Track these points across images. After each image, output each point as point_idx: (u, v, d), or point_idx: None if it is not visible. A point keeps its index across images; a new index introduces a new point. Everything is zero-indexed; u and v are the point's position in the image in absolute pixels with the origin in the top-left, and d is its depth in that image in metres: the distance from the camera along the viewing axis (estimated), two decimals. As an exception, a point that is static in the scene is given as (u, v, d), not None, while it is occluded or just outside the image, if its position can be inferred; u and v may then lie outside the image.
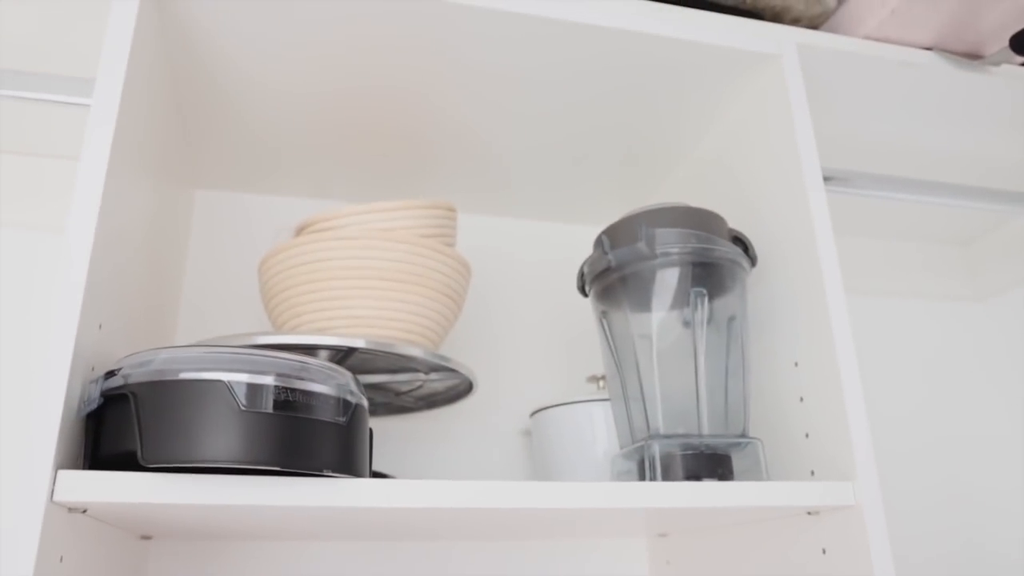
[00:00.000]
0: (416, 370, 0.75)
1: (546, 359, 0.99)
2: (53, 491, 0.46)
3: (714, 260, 0.66)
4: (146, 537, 0.78)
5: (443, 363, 0.68)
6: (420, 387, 0.80)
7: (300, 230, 0.72)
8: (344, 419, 0.51)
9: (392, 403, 0.85)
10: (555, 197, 1.00)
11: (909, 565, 1.05)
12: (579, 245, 1.06)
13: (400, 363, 0.73)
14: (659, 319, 0.66)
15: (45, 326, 0.49)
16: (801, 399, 0.66)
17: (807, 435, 0.65)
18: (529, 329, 1.00)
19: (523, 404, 0.96)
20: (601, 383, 0.87)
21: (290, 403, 0.48)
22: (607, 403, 0.79)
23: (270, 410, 0.48)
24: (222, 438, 0.46)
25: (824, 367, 0.64)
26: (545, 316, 1.01)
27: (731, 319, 0.67)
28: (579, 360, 0.99)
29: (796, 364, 0.67)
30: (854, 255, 1.22)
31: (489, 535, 0.82)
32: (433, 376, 0.76)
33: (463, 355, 0.97)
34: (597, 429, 0.79)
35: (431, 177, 0.94)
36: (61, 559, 0.49)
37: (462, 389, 0.80)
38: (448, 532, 0.77)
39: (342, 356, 0.69)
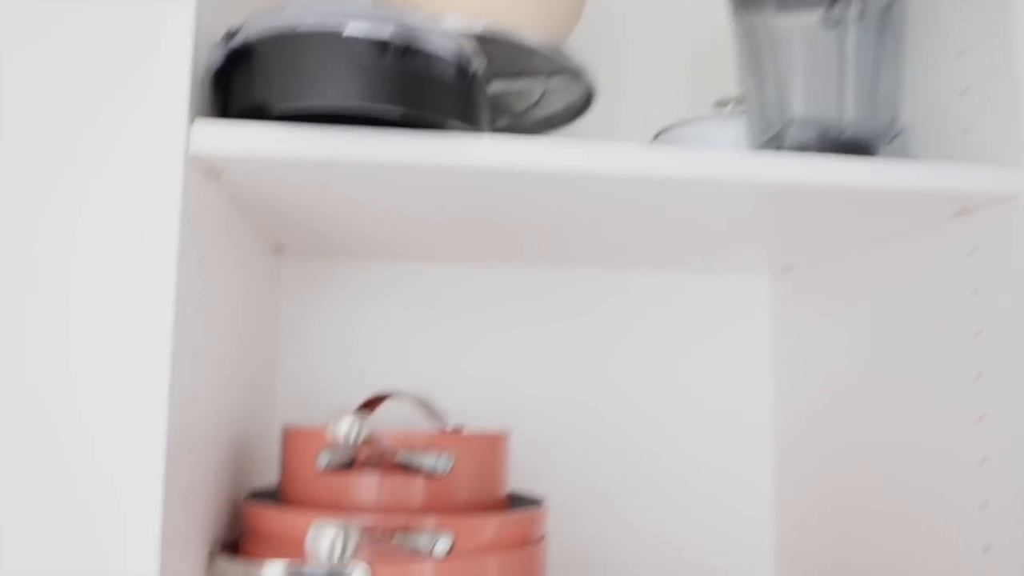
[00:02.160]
0: (535, 74, 0.72)
1: (670, 80, 0.93)
2: (189, 144, 0.48)
3: (875, -71, 0.57)
4: (278, 250, 0.82)
5: (565, 59, 0.64)
6: (539, 102, 0.77)
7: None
8: (465, 81, 0.49)
9: (513, 125, 0.83)
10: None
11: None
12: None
13: (519, 63, 0.70)
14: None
15: None
16: (964, 91, 0.59)
17: (966, 131, 0.59)
18: (655, 44, 0.93)
19: (645, 128, 0.92)
20: (728, 108, 0.82)
21: (412, 54, 0.47)
22: (737, 123, 0.74)
23: (392, 61, 0.46)
24: (345, 84, 0.46)
25: (996, 54, 0.56)
26: (673, 30, 0.94)
27: (888, 4, 0.59)
28: (704, 85, 0.93)
29: (963, 52, 0.59)
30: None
31: (608, 262, 0.82)
32: (553, 83, 0.73)
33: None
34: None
35: None
36: (204, 217, 0.52)
37: (580, 105, 0.77)
38: (561, 253, 0.77)
39: (460, 53, 0.66)
